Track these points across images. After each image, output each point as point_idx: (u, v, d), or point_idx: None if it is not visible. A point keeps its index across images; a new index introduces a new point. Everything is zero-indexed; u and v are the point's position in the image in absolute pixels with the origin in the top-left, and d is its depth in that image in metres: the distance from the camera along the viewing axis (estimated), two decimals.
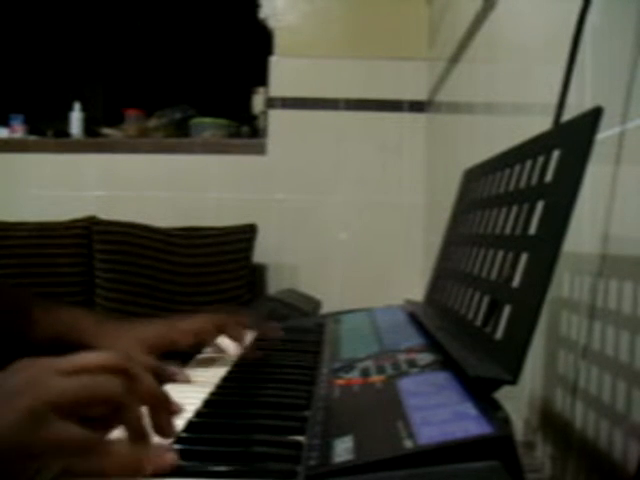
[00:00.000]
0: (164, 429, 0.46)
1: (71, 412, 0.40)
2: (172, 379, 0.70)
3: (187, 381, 0.69)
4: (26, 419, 0.38)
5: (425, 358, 0.58)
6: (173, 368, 0.72)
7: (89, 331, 0.80)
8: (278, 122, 2.50)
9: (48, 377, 0.41)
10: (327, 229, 2.49)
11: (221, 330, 0.81)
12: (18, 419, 0.38)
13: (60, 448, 0.39)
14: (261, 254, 2.43)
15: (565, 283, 0.74)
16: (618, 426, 0.58)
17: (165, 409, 0.47)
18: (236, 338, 0.81)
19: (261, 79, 2.58)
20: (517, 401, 0.87)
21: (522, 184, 0.59)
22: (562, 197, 0.47)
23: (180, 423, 0.51)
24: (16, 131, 2.70)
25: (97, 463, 0.40)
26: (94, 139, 2.68)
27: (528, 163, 0.58)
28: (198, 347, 0.82)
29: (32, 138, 2.68)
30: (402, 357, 0.59)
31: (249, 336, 0.84)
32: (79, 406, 0.41)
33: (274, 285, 2.47)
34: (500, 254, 0.58)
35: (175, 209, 2.50)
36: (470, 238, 0.72)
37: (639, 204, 0.58)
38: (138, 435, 0.43)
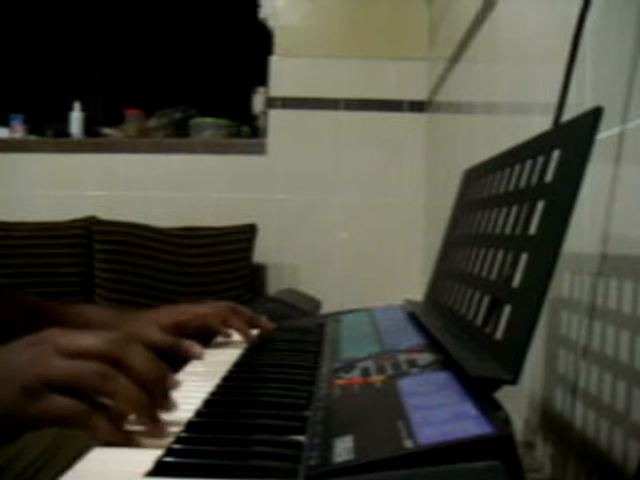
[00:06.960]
0: (163, 404, 0.50)
1: (63, 389, 0.47)
2: (187, 355, 0.76)
3: (200, 357, 0.76)
4: (22, 395, 0.45)
5: (425, 358, 0.58)
6: (188, 343, 0.78)
7: (108, 322, 0.84)
8: (278, 122, 2.50)
9: (47, 357, 0.47)
10: (327, 229, 2.49)
11: (228, 317, 0.86)
12: (16, 395, 0.45)
13: (51, 417, 0.46)
14: (261, 254, 2.43)
15: (565, 283, 0.74)
16: (618, 426, 0.58)
17: (161, 386, 0.51)
18: (240, 327, 0.86)
19: (261, 79, 2.58)
20: (517, 401, 0.87)
21: (522, 184, 0.59)
22: (562, 197, 0.47)
23: (180, 423, 0.51)
24: (16, 131, 2.70)
25: (85, 429, 0.46)
26: (94, 139, 2.68)
27: (528, 163, 0.58)
28: (206, 335, 0.86)
29: (32, 138, 2.68)
30: (402, 357, 0.59)
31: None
32: (68, 386, 0.47)
33: (274, 285, 2.47)
34: (500, 254, 0.58)
35: (175, 209, 2.50)
36: (470, 238, 0.72)
37: (639, 204, 0.58)
38: (116, 417, 0.48)
